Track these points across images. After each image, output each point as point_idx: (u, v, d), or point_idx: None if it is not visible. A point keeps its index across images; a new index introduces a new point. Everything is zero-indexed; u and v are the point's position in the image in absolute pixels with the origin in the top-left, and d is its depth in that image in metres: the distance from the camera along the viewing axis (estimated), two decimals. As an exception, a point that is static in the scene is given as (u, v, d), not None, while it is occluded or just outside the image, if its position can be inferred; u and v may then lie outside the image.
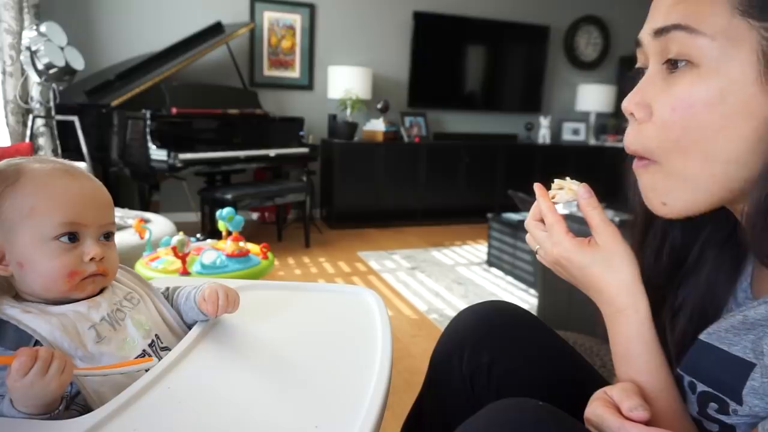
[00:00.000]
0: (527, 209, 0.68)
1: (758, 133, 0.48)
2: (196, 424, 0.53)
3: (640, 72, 0.56)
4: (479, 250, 3.70)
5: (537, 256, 0.67)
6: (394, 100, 4.53)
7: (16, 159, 0.66)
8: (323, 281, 2.91)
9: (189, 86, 3.55)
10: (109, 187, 0.72)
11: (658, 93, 0.52)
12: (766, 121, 0.47)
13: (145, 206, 3.21)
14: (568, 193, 0.64)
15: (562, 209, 0.66)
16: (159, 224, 2.30)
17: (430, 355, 0.82)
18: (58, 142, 3.27)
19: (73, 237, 0.64)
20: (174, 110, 3.22)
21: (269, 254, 1.92)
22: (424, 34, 4.60)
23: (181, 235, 1.72)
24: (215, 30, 3.74)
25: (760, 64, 0.47)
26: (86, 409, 0.58)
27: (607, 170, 4.49)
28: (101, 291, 0.68)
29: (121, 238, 1.97)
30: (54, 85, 3.06)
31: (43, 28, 2.92)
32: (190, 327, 0.75)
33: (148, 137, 3.06)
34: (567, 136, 5.23)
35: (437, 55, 4.72)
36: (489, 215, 3.28)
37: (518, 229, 2.96)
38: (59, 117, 3.16)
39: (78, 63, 3.04)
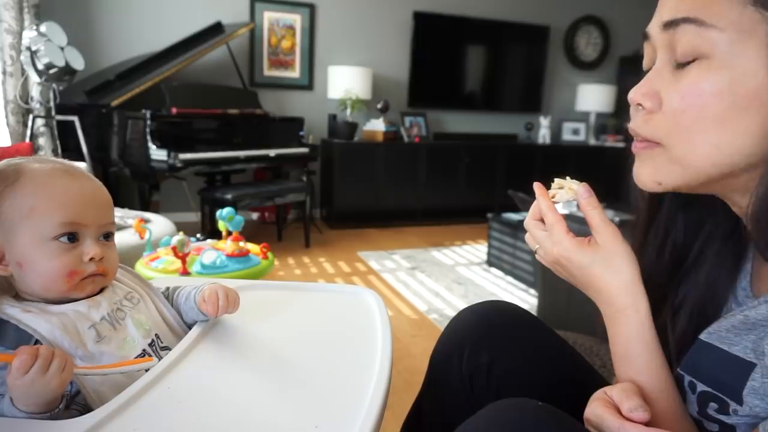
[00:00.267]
0: (527, 209, 0.68)
1: (765, 126, 0.48)
2: (196, 424, 0.53)
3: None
4: (479, 250, 3.70)
5: (536, 255, 0.67)
6: (394, 100, 4.53)
7: (16, 159, 0.66)
8: (323, 281, 2.91)
9: (189, 86, 3.55)
10: (109, 187, 0.72)
11: (668, 84, 0.52)
12: None
13: (145, 206, 3.21)
14: (568, 193, 0.64)
15: (562, 209, 0.65)
16: (159, 224, 2.30)
17: (430, 355, 0.82)
18: (58, 142, 3.27)
19: (73, 237, 0.64)
20: (174, 110, 3.22)
21: (269, 254, 1.92)
22: (424, 34, 4.60)
23: (181, 235, 1.72)
24: (215, 30, 3.74)
25: None
26: (86, 408, 0.58)
27: (607, 170, 4.49)
28: (101, 290, 0.68)
29: (121, 238, 1.97)
30: (54, 85, 3.06)
31: (43, 28, 2.92)
32: (190, 327, 0.75)
33: (148, 137, 3.06)
34: (567, 136, 5.23)
35: (437, 55, 4.72)
36: (489, 215, 3.28)
37: (518, 229, 2.96)
38: (59, 117, 3.16)
39: (78, 63, 3.04)
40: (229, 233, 1.89)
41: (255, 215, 4.32)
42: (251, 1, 4.16)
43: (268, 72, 4.33)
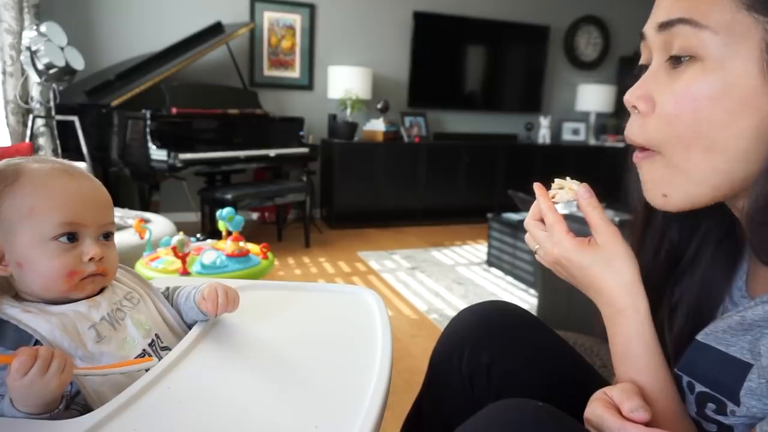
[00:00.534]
0: (527, 209, 0.68)
1: (761, 128, 0.48)
2: (196, 424, 0.53)
3: (643, 69, 0.56)
4: (479, 250, 3.70)
5: (536, 256, 0.67)
6: (394, 100, 4.53)
7: (16, 159, 0.66)
8: (323, 281, 2.91)
9: (189, 86, 3.55)
10: (109, 187, 0.72)
11: (662, 87, 0.52)
12: None
13: (145, 206, 3.21)
14: (568, 193, 0.64)
15: (562, 209, 0.65)
16: (159, 224, 2.30)
17: (430, 355, 0.82)
18: (58, 142, 3.27)
19: (73, 237, 0.64)
20: (174, 110, 3.22)
21: (269, 254, 1.92)
22: (424, 34, 4.60)
23: (181, 235, 1.72)
24: (215, 30, 3.74)
25: (765, 58, 0.46)
26: (86, 408, 0.58)
27: (607, 170, 4.48)
28: (101, 291, 0.68)
29: (121, 238, 1.97)
30: (54, 85, 3.06)
31: (43, 28, 2.92)
32: (190, 327, 0.75)
33: (148, 137, 3.06)
34: (567, 136, 5.23)
35: (437, 55, 4.72)
36: (489, 215, 3.28)
37: (518, 229, 2.96)
38: (59, 117, 3.16)
39: (78, 63, 3.04)
40: (229, 233, 1.89)
41: (255, 215, 4.32)
42: (251, 1, 4.16)
43: (268, 72, 4.33)
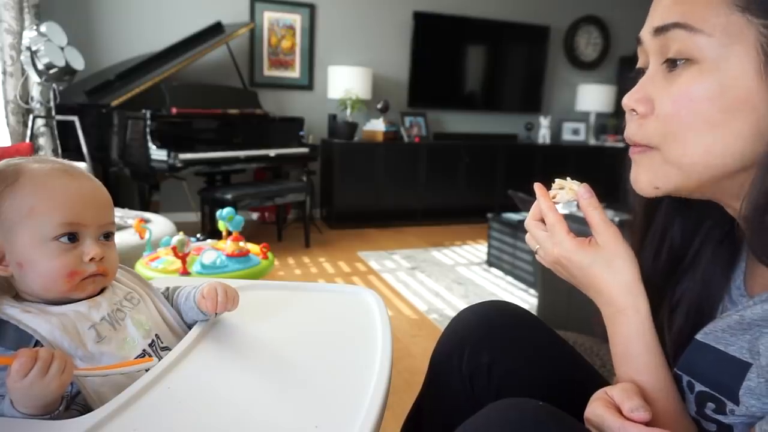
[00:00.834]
0: (527, 209, 0.68)
1: (758, 128, 0.48)
2: (196, 424, 0.53)
3: (641, 72, 0.57)
4: (479, 250, 3.70)
5: (537, 256, 0.67)
6: (394, 100, 4.53)
7: (16, 159, 0.66)
8: (323, 281, 2.90)
9: (189, 86, 3.55)
10: (109, 187, 0.72)
11: (659, 89, 0.53)
12: (765, 116, 0.48)
13: (145, 206, 3.21)
14: (568, 193, 0.64)
15: (562, 209, 0.66)
16: (159, 224, 2.30)
17: (430, 355, 0.82)
18: (58, 142, 3.27)
19: (73, 237, 0.64)
20: (174, 110, 3.22)
21: (269, 254, 1.92)
22: (424, 34, 4.60)
23: (181, 235, 1.72)
24: (215, 30, 3.73)
25: (760, 59, 0.47)
26: (86, 408, 0.58)
27: (607, 170, 4.49)
28: (101, 291, 0.68)
29: (121, 238, 1.97)
30: (54, 85, 3.06)
31: (43, 28, 2.92)
32: (190, 327, 0.75)
33: (148, 137, 3.06)
34: (567, 136, 5.23)
35: (437, 55, 4.72)
36: (489, 215, 3.28)
37: (518, 229, 2.96)
38: (59, 117, 3.16)
39: (78, 63, 3.04)
40: (229, 233, 1.89)
41: (255, 215, 4.32)
42: (251, 1, 4.16)
43: (268, 72, 4.33)
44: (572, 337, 1.47)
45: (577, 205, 0.63)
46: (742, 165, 0.50)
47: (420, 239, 3.99)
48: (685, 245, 0.64)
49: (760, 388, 0.48)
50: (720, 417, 0.52)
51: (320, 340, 0.74)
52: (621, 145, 5.00)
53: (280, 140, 3.73)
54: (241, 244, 1.84)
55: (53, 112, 3.13)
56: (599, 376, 0.78)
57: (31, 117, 3.14)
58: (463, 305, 1.95)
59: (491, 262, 3.26)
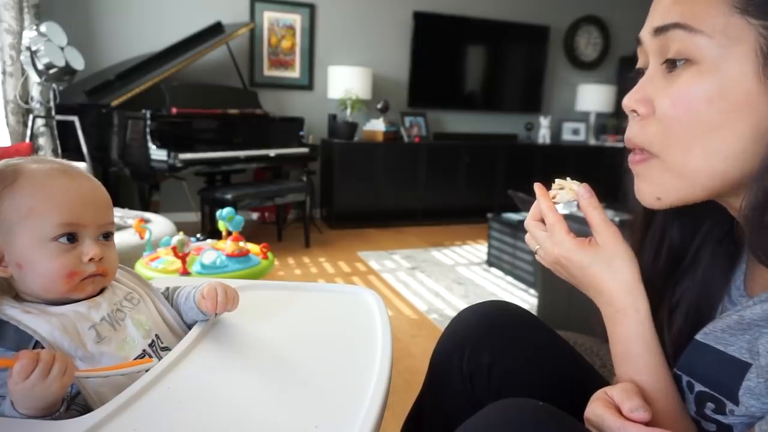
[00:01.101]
0: (527, 209, 0.68)
1: (758, 130, 0.48)
2: (196, 424, 0.53)
3: (641, 73, 0.57)
4: (479, 250, 3.70)
5: (537, 256, 0.67)
6: (394, 100, 4.53)
7: (14, 159, 0.66)
8: (323, 281, 2.90)
9: (189, 86, 3.55)
10: (109, 187, 0.72)
11: (659, 90, 0.53)
12: (765, 117, 0.48)
13: (145, 206, 3.21)
14: (568, 193, 0.64)
15: (562, 209, 0.66)
16: (159, 224, 2.30)
17: (430, 355, 0.82)
18: (58, 142, 3.27)
19: (72, 237, 0.64)
20: (174, 110, 3.22)
21: (269, 254, 1.92)
22: (424, 34, 4.60)
23: (181, 235, 1.72)
24: (215, 30, 3.73)
25: (759, 61, 0.47)
26: (86, 409, 0.58)
27: (607, 170, 4.48)
28: (101, 291, 0.68)
29: (121, 238, 1.97)
30: (54, 85, 3.06)
31: (43, 28, 2.92)
32: (190, 327, 0.75)
33: (148, 137, 3.06)
34: (567, 136, 5.23)
35: (437, 55, 4.72)
36: (489, 215, 3.28)
37: (518, 229, 2.96)
38: (59, 117, 3.16)
39: (78, 63, 3.04)
40: (229, 233, 1.89)
41: (255, 215, 4.32)
42: (251, 1, 4.16)
43: (268, 72, 4.33)
44: (572, 337, 1.47)
45: (577, 205, 0.63)
46: (743, 167, 0.50)
47: (420, 239, 3.99)
48: (685, 245, 0.64)
49: (760, 388, 0.48)
50: (719, 417, 0.52)
51: (320, 340, 0.74)
52: (621, 145, 4.98)
53: (280, 140, 3.73)
54: (241, 244, 1.84)
55: (53, 112, 3.13)
56: (599, 376, 0.78)
57: (30, 117, 3.14)
58: (463, 305, 1.95)
59: (491, 262, 3.26)
